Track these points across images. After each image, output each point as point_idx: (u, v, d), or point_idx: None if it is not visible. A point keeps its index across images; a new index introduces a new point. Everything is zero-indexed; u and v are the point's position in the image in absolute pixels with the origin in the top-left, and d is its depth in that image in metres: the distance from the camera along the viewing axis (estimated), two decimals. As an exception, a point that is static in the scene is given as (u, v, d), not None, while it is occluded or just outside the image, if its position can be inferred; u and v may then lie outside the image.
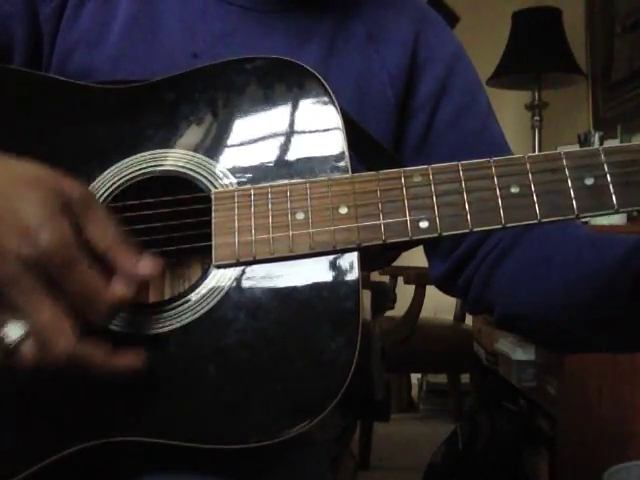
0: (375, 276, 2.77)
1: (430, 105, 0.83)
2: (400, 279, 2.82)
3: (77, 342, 0.53)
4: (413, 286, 2.71)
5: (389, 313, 2.72)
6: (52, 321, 0.52)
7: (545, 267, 0.74)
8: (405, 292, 2.74)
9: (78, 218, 0.55)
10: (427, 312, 2.77)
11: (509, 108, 3.18)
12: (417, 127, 0.83)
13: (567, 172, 0.58)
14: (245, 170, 0.64)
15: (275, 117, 0.66)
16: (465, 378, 3.04)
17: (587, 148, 0.59)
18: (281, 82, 0.66)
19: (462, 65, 0.86)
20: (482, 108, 0.85)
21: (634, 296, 0.62)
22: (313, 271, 0.59)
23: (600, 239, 0.72)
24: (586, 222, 1.98)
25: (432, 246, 0.84)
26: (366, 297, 0.61)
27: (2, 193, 0.54)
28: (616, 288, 0.64)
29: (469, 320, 2.73)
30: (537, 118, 2.79)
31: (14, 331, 0.53)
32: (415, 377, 3.66)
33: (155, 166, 0.66)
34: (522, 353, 1.98)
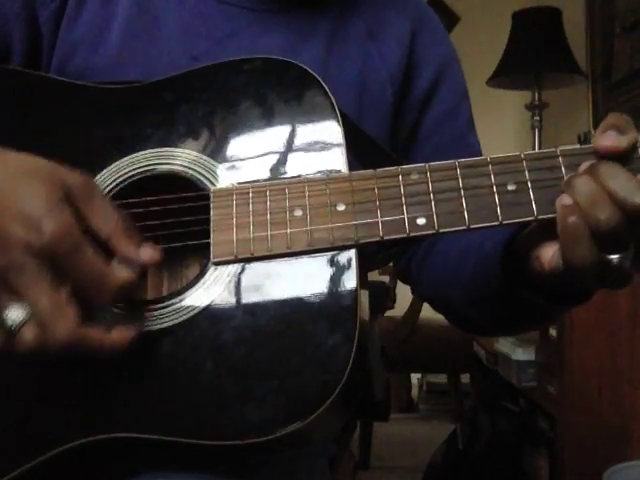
0: (375, 276, 2.77)
1: (419, 108, 0.84)
2: (400, 279, 2.81)
3: (78, 326, 0.54)
4: (413, 286, 2.70)
5: (389, 313, 2.72)
6: (54, 306, 0.53)
7: (446, 259, 0.79)
8: (405, 292, 2.72)
9: (80, 206, 0.56)
10: (427, 312, 2.76)
11: (509, 108, 3.19)
12: (405, 128, 0.84)
13: (563, 170, 0.58)
14: (243, 170, 0.64)
15: (274, 118, 0.66)
16: (465, 378, 3.04)
17: (583, 146, 0.59)
18: (280, 83, 0.67)
19: (452, 70, 0.87)
20: (464, 116, 0.87)
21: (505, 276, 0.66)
22: (311, 268, 0.59)
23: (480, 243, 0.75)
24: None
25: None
26: (364, 297, 0.61)
27: (4, 185, 0.55)
28: (480, 269, 0.70)
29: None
30: (537, 118, 2.79)
31: (16, 314, 0.54)
32: (415, 377, 3.66)
33: (154, 165, 0.66)
34: (522, 353, 1.98)
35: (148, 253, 0.58)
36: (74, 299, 0.54)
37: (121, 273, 0.56)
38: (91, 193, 0.57)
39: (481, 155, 0.83)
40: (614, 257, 0.56)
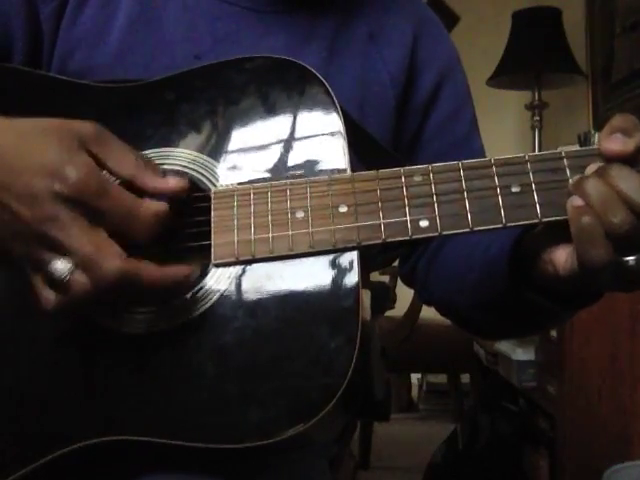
0: (375, 276, 2.77)
1: (422, 111, 0.84)
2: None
3: (125, 259, 0.55)
4: (413, 286, 2.70)
5: (389, 313, 2.72)
6: (96, 246, 0.55)
7: (453, 264, 0.79)
8: (405, 292, 2.73)
9: (96, 152, 0.58)
10: (427, 312, 2.76)
11: (509, 108, 3.19)
12: (408, 131, 0.84)
13: (568, 171, 0.58)
14: (245, 170, 0.64)
15: (275, 117, 0.65)
16: (465, 378, 3.04)
17: (588, 147, 0.59)
18: (282, 82, 0.66)
19: (455, 73, 0.87)
20: (467, 119, 0.87)
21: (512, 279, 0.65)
22: (313, 270, 0.59)
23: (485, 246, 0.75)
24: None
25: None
26: (366, 297, 0.61)
27: (20, 143, 0.57)
28: (487, 273, 0.69)
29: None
30: (537, 118, 2.79)
31: (62, 264, 0.55)
32: (415, 377, 3.66)
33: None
34: (522, 353, 1.98)
35: (175, 180, 0.60)
36: (115, 237, 0.56)
37: (152, 205, 0.58)
38: (104, 138, 0.59)
39: (485, 157, 0.83)
40: (630, 258, 0.55)
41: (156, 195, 0.59)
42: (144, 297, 0.59)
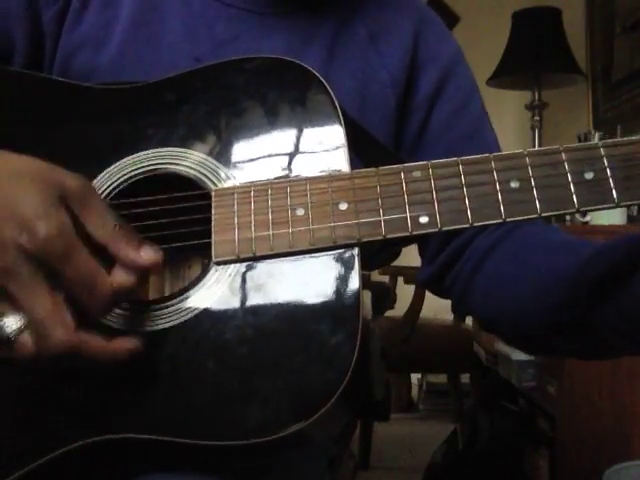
0: (375, 276, 2.77)
1: (426, 106, 0.83)
2: (400, 279, 2.81)
3: (75, 332, 0.53)
4: (413, 286, 2.70)
5: (389, 313, 2.72)
6: (50, 311, 0.52)
7: (515, 273, 0.74)
8: (405, 292, 2.74)
9: (76, 209, 0.55)
10: (427, 312, 2.76)
11: (509, 108, 3.19)
12: (413, 127, 0.84)
13: (567, 166, 0.57)
14: (245, 170, 0.64)
15: (275, 117, 0.65)
16: (465, 378, 3.03)
17: (586, 142, 0.59)
18: (282, 82, 0.66)
19: (460, 68, 0.86)
20: (476, 112, 0.86)
21: (591, 304, 0.62)
22: (313, 267, 0.59)
23: (569, 245, 0.72)
24: (586, 222, 1.99)
25: (422, 249, 0.85)
26: (366, 297, 0.61)
27: (1, 186, 0.54)
28: (574, 296, 0.64)
29: (469, 320, 2.72)
30: (537, 118, 2.79)
31: (13, 321, 0.53)
32: (415, 377, 3.66)
33: (156, 165, 0.66)
34: (522, 353, 1.98)
35: (148, 255, 0.56)
36: (71, 304, 0.53)
37: (119, 277, 0.55)
38: (88, 196, 0.56)
39: (497, 150, 0.83)
40: None
41: (126, 267, 0.56)
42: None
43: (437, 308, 3.03)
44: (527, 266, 0.73)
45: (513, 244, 0.77)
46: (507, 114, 3.21)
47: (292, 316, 0.58)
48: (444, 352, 2.81)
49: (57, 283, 0.53)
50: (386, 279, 2.87)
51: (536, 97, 2.80)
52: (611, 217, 1.90)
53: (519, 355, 1.98)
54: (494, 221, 0.58)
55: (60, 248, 0.53)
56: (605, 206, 0.56)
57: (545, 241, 0.75)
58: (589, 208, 0.56)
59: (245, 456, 0.58)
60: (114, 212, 0.57)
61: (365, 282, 0.60)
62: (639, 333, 0.60)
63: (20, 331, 0.53)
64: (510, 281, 0.74)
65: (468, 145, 0.82)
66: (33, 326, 0.53)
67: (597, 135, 2.21)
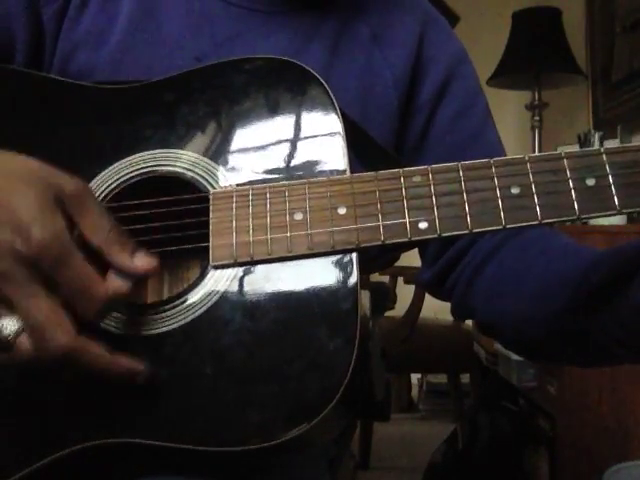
0: (375, 276, 2.77)
1: (430, 107, 0.83)
2: (400, 279, 2.81)
3: (74, 337, 0.53)
4: (413, 286, 2.70)
5: (389, 313, 2.72)
6: (49, 315, 0.52)
7: (515, 279, 0.73)
8: (405, 292, 2.73)
9: (72, 213, 0.55)
10: (427, 312, 2.76)
11: (509, 108, 3.18)
12: (416, 128, 0.83)
13: (568, 173, 0.57)
14: (244, 171, 0.64)
15: (275, 118, 0.65)
16: (465, 378, 3.03)
17: (588, 148, 0.58)
18: (281, 83, 0.66)
19: (463, 68, 0.86)
20: (480, 112, 0.85)
21: (591, 311, 0.61)
22: (311, 272, 0.59)
23: (571, 248, 0.71)
24: (585, 222, 1.98)
25: (422, 251, 0.85)
26: (365, 297, 0.61)
27: None
28: (576, 302, 0.64)
29: (469, 320, 2.73)
30: (537, 118, 2.79)
31: (10, 325, 0.53)
32: (415, 377, 3.66)
33: (154, 167, 0.66)
34: (522, 353, 1.97)
35: (142, 262, 0.56)
36: (67, 309, 0.53)
37: (114, 283, 0.55)
38: (84, 199, 0.55)
39: (501, 150, 0.82)
40: None
41: (120, 273, 0.56)
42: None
43: (437, 308, 3.03)
44: (529, 270, 0.72)
45: (515, 248, 0.76)
46: (507, 114, 3.20)
47: (290, 321, 0.58)
48: (444, 352, 2.81)
49: (52, 289, 0.53)
50: (386, 279, 2.86)
51: (536, 97, 2.79)
52: (611, 217, 1.90)
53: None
54: (494, 227, 0.57)
55: (55, 253, 0.52)
56: (606, 213, 0.56)
57: (547, 245, 0.74)
58: (590, 215, 0.56)
59: (244, 460, 0.58)
60: (110, 216, 0.57)
61: (364, 282, 0.60)
62: (636, 341, 0.59)
63: (18, 334, 0.53)
64: (511, 285, 0.73)
65: (472, 145, 0.82)
66: (31, 330, 0.52)
67: (597, 135, 2.21)
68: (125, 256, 0.56)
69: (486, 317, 0.77)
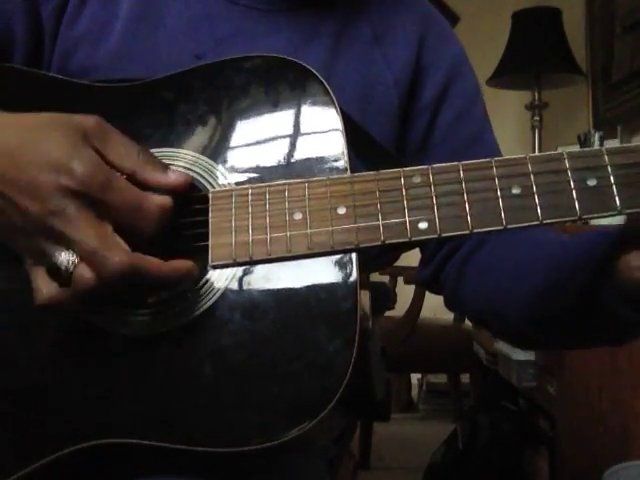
0: (375, 276, 2.77)
1: (431, 110, 0.83)
2: (400, 279, 2.81)
3: (130, 254, 0.55)
4: (413, 286, 2.70)
5: (389, 313, 2.72)
6: (103, 239, 0.55)
7: (499, 262, 0.75)
8: (405, 292, 2.73)
9: (99, 146, 0.58)
10: (427, 312, 2.76)
11: (509, 108, 3.18)
12: (418, 131, 0.83)
13: (569, 173, 0.57)
14: (243, 170, 0.64)
15: (274, 117, 0.65)
16: (465, 378, 3.03)
17: (590, 149, 0.58)
18: (281, 81, 0.66)
19: (463, 71, 0.86)
20: (479, 115, 0.86)
21: (597, 283, 0.61)
22: (311, 272, 0.59)
23: (562, 238, 0.72)
24: (586, 223, 1.98)
25: (422, 248, 0.86)
26: (365, 297, 0.61)
27: (24, 139, 0.57)
28: (563, 295, 0.64)
29: (469, 320, 2.73)
30: (537, 118, 2.79)
31: (67, 256, 0.55)
32: (415, 377, 3.66)
33: None
34: (522, 353, 1.98)
35: (177, 176, 0.60)
36: (120, 231, 0.56)
37: (157, 198, 0.58)
38: (107, 132, 0.59)
39: (499, 152, 0.83)
40: None
41: (158, 190, 0.59)
42: (146, 294, 0.60)
43: (437, 308, 3.03)
44: (510, 262, 0.74)
45: (498, 241, 0.78)
46: (507, 114, 3.20)
47: (289, 321, 0.58)
48: (444, 352, 2.81)
49: (103, 215, 0.56)
50: (386, 279, 2.86)
51: (536, 97, 2.79)
52: (612, 217, 1.90)
53: (519, 355, 1.98)
54: (495, 228, 0.57)
55: (100, 179, 0.56)
56: (607, 214, 0.56)
57: (536, 234, 0.74)
58: (591, 216, 0.56)
59: (244, 460, 0.58)
60: (134, 143, 0.60)
61: (364, 282, 0.60)
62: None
63: (76, 265, 0.55)
64: (495, 269, 0.75)
65: (472, 148, 0.82)
66: (89, 257, 0.55)
67: (597, 135, 2.21)
68: (160, 173, 0.60)
69: (474, 305, 0.79)
